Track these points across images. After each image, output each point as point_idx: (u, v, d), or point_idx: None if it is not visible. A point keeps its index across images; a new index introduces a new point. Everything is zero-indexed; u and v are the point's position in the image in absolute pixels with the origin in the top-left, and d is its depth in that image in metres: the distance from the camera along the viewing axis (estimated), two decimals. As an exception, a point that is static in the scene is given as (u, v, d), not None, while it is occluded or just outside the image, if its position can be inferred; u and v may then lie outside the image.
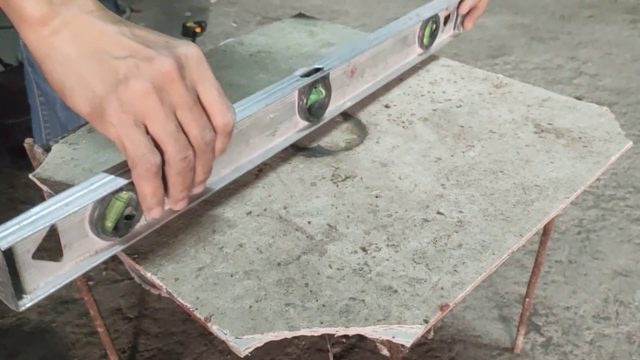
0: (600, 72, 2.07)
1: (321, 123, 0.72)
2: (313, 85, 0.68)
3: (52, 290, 0.49)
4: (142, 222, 0.56)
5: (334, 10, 2.63)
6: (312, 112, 0.70)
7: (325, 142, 0.75)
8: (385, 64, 0.82)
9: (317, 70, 0.69)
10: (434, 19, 0.87)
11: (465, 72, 0.90)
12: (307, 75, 0.68)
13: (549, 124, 0.78)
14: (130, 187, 0.52)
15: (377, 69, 0.80)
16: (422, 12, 0.86)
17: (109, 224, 0.52)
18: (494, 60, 2.17)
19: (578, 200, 1.47)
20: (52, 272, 0.49)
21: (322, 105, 0.71)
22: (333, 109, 0.74)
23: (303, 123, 0.70)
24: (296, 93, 0.67)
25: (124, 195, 0.52)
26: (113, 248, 0.54)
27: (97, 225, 0.51)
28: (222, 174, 0.63)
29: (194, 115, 0.47)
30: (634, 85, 1.98)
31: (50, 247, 0.49)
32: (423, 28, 0.85)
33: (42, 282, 0.49)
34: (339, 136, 0.76)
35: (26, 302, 0.48)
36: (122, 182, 0.51)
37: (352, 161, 0.71)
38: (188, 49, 0.47)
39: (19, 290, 0.47)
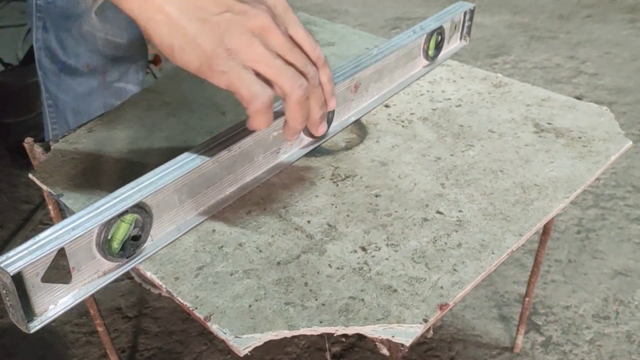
0: (599, 72, 2.07)
1: (326, 139, 0.73)
2: None
3: (62, 311, 0.51)
4: (149, 242, 0.57)
5: (334, 9, 2.63)
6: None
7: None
8: (390, 77, 0.82)
9: None
10: (439, 30, 0.86)
11: (465, 71, 0.90)
12: None
13: (549, 123, 0.78)
14: (135, 209, 0.53)
15: (382, 83, 0.81)
16: (427, 24, 0.85)
17: (116, 245, 0.54)
18: (493, 59, 2.17)
19: (578, 199, 1.47)
20: (61, 294, 0.51)
21: (327, 121, 0.71)
22: (337, 125, 0.75)
23: (307, 139, 0.71)
24: None
25: (130, 217, 0.54)
26: (121, 268, 0.55)
27: (104, 247, 0.52)
28: (227, 193, 0.64)
29: (295, 55, 0.52)
30: (633, 85, 1.98)
31: (59, 269, 0.50)
32: (428, 40, 0.85)
33: (52, 304, 0.50)
34: (338, 135, 0.76)
35: (36, 324, 0.49)
36: (127, 204, 0.53)
37: (351, 160, 0.71)
38: None
39: (29, 313, 0.49)
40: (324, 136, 0.72)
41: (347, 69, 0.74)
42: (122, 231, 0.54)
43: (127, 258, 0.55)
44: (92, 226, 0.50)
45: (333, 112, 0.72)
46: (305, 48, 0.54)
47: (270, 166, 0.68)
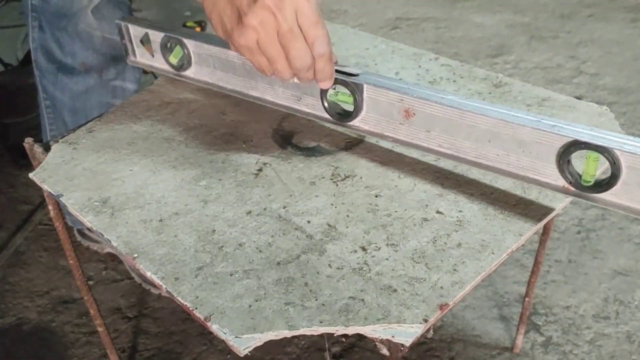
0: (600, 71, 2.07)
1: (343, 127, 0.71)
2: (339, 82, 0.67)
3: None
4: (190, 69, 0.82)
5: (333, 9, 2.63)
6: (331, 108, 0.70)
7: (325, 141, 0.75)
8: (487, 149, 0.60)
9: (351, 74, 0.67)
10: (608, 155, 0.51)
11: (465, 71, 0.90)
12: (338, 72, 0.67)
13: (549, 123, 0.78)
14: (176, 40, 0.80)
15: (463, 142, 0.61)
16: (581, 131, 0.52)
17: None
18: (494, 59, 2.17)
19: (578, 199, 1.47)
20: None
21: (347, 113, 0.69)
22: (374, 131, 0.68)
23: (324, 114, 0.71)
24: None
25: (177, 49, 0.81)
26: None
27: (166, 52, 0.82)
28: (248, 93, 0.74)
29: (292, 39, 0.60)
30: (634, 85, 1.98)
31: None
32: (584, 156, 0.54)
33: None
34: (338, 135, 0.76)
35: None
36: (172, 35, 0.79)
37: (351, 160, 0.71)
38: None
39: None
40: (347, 117, 0.69)
41: (398, 86, 0.64)
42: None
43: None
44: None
45: (359, 110, 0.67)
46: (307, 39, 0.62)
47: (287, 103, 0.72)
